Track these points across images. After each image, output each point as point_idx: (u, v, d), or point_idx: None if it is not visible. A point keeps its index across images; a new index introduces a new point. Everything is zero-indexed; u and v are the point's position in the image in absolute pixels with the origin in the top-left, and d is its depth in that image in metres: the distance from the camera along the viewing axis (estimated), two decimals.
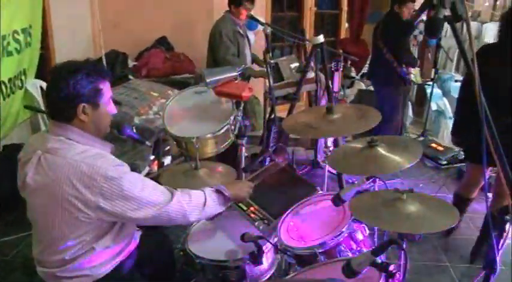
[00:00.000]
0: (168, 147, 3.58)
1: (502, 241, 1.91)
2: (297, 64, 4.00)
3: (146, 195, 1.53)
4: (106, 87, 1.60)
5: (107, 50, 4.58)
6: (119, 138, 1.73)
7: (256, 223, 2.00)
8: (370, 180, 1.69)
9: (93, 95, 1.55)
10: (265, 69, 3.31)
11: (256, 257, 1.78)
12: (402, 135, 4.68)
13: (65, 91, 1.49)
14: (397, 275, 1.29)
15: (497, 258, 1.61)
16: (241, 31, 4.01)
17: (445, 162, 4.38)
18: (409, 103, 5.37)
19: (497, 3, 6.19)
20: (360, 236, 1.88)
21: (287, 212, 2.02)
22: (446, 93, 5.55)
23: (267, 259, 1.92)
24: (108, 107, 1.64)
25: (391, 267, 1.28)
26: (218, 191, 1.74)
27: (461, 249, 3.02)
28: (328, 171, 3.43)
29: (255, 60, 4.31)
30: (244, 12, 3.86)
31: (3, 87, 3.13)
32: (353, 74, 5.84)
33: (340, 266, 1.35)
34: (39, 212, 1.57)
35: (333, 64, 3.80)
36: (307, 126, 1.99)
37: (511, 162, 1.38)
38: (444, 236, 3.14)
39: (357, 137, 2.05)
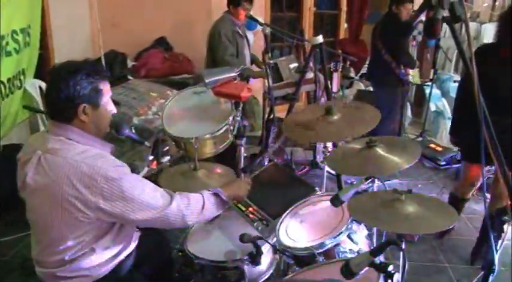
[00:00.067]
0: (167, 148, 3.57)
1: (500, 242, 1.92)
2: (296, 64, 4.01)
3: (146, 198, 1.53)
4: (106, 87, 1.61)
5: (106, 50, 4.57)
6: (117, 138, 1.73)
7: (255, 224, 2.00)
8: (369, 180, 1.69)
9: (93, 95, 1.55)
10: (265, 70, 3.31)
11: (255, 258, 1.79)
12: (401, 135, 4.68)
13: (66, 92, 1.49)
14: (396, 276, 1.29)
15: (496, 259, 1.61)
16: (240, 31, 4.01)
17: (443, 163, 4.39)
18: (408, 103, 5.38)
19: (496, 3, 6.19)
20: (358, 237, 1.88)
21: (286, 213, 2.02)
22: (445, 93, 5.56)
23: (266, 260, 1.93)
24: (108, 107, 1.64)
25: (390, 268, 1.28)
26: (216, 194, 1.73)
27: (460, 249, 3.02)
28: (327, 171, 3.43)
29: (254, 60, 4.31)
30: (242, 13, 3.86)
31: (2, 87, 3.12)
32: (352, 74, 5.85)
33: (339, 266, 1.35)
34: (38, 212, 1.57)
35: (332, 64, 3.81)
36: (306, 129, 1.98)
37: (509, 162, 1.39)
38: (438, 237, 3.13)
39: (355, 138, 2.04)
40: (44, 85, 3.46)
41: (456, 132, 2.87)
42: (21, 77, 3.42)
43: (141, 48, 4.93)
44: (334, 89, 3.80)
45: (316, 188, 2.19)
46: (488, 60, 2.35)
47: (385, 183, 1.76)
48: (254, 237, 1.74)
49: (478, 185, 2.92)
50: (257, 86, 4.51)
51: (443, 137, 5.11)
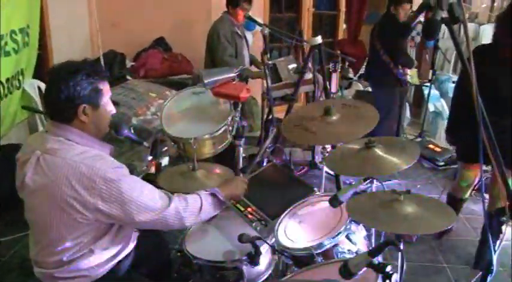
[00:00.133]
0: (166, 148, 3.57)
1: (498, 242, 1.92)
2: (294, 65, 4.01)
3: (145, 200, 1.53)
4: (106, 88, 1.61)
5: (105, 50, 4.58)
6: (116, 138, 1.73)
7: (254, 224, 2.00)
8: (368, 181, 1.69)
9: (93, 95, 1.55)
10: (263, 70, 3.31)
11: (253, 258, 1.79)
12: (400, 136, 4.69)
13: (66, 92, 1.49)
14: (394, 276, 1.30)
15: (494, 259, 1.62)
16: (239, 32, 4.01)
17: (442, 163, 4.40)
18: (407, 104, 5.38)
19: (495, 4, 6.19)
20: (357, 237, 1.88)
21: (284, 213, 2.02)
22: (443, 94, 5.56)
23: (265, 260, 1.93)
24: (108, 107, 1.64)
25: (388, 268, 1.28)
26: (213, 194, 1.73)
27: (458, 249, 3.03)
28: (326, 172, 3.43)
29: (253, 61, 4.31)
30: (241, 13, 3.86)
31: (0, 87, 3.12)
32: (351, 75, 5.85)
33: (337, 267, 1.35)
34: (37, 213, 1.57)
35: (330, 65, 3.81)
36: (305, 130, 1.98)
37: (508, 162, 1.39)
38: (436, 238, 3.14)
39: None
40: (42, 85, 3.46)
41: (452, 131, 2.87)
42: (20, 77, 3.42)
43: (140, 49, 4.93)
44: (333, 90, 3.80)
45: (315, 189, 2.19)
46: (486, 61, 2.35)
47: (383, 183, 1.76)
48: (253, 238, 1.74)
49: (476, 185, 2.92)
50: (256, 86, 4.51)
51: (442, 138, 5.11)
